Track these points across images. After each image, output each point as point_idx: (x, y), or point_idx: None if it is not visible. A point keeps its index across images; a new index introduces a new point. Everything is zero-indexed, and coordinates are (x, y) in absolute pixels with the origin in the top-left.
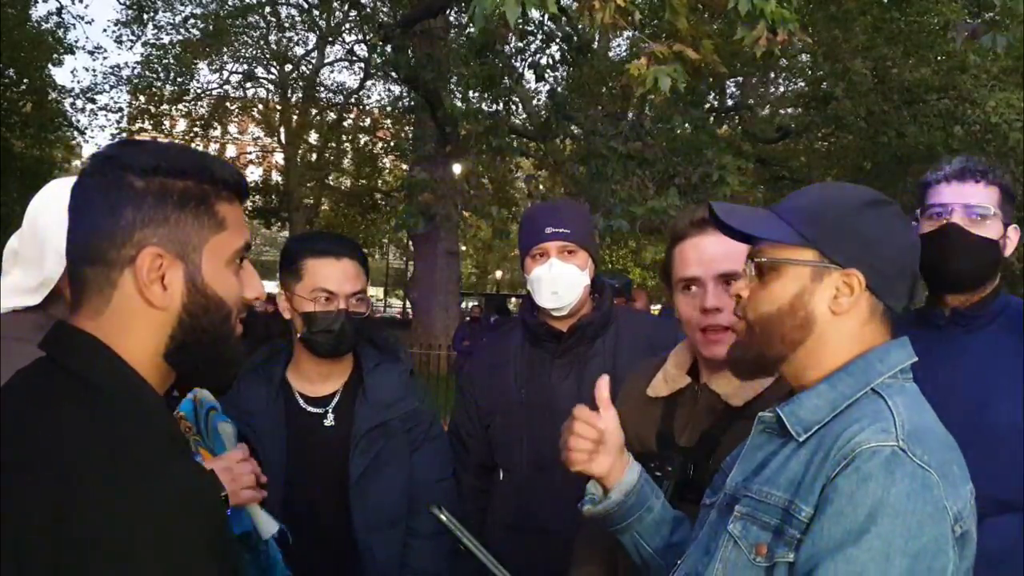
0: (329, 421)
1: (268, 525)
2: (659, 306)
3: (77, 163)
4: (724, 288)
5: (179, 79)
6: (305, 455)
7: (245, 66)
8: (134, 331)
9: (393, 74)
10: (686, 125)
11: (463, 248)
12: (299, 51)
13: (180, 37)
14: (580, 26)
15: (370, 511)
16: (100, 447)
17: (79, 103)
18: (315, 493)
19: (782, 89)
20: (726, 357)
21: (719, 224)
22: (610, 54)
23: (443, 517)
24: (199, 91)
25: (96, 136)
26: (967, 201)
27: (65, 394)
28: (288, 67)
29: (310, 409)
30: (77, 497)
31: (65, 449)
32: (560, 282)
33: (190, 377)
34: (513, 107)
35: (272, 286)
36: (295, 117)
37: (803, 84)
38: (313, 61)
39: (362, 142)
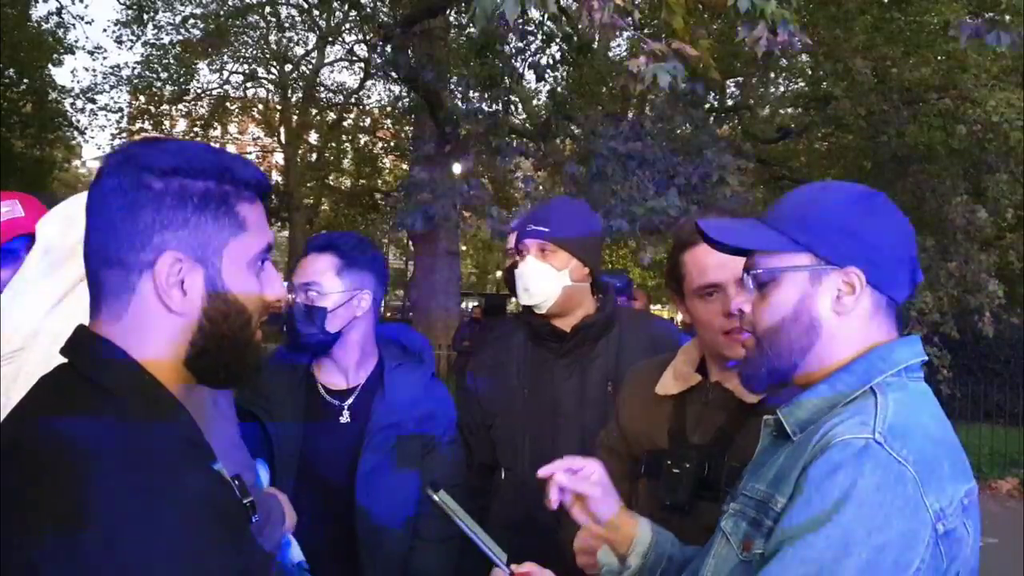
0: (345, 418)
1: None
2: (658, 306)
3: (77, 163)
4: None
5: (179, 79)
6: (319, 446)
7: (245, 66)
8: (153, 336)
9: (393, 74)
10: (686, 125)
11: (463, 248)
12: (299, 51)
13: (180, 37)
14: (580, 26)
15: (375, 510)
16: (117, 454)
17: (79, 103)
18: (325, 486)
19: (782, 89)
20: (739, 376)
21: (710, 242)
22: (610, 54)
23: (436, 498)
24: (199, 91)
25: (96, 136)
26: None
27: (83, 401)
28: (288, 67)
29: (331, 400)
30: (95, 504)
31: (82, 456)
32: (530, 280)
33: (210, 381)
34: (513, 107)
35: None
36: (295, 117)
37: (803, 84)
38: (313, 61)
39: (362, 142)
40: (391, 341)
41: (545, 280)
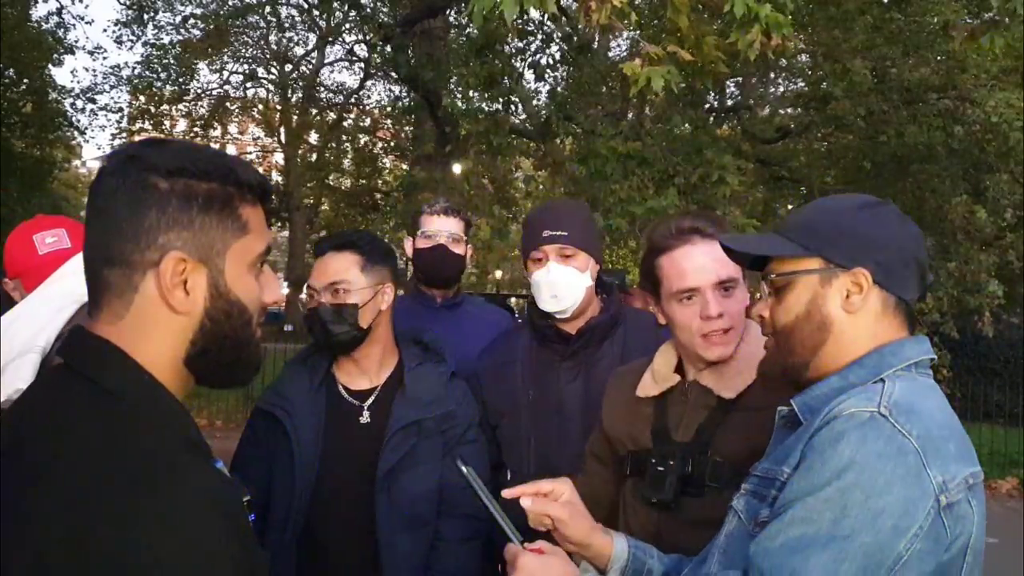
0: (365, 418)
1: None
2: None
3: (77, 163)
4: (721, 293)
5: (179, 79)
6: (340, 445)
7: (245, 66)
8: (155, 336)
9: (393, 74)
10: (686, 125)
11: None
12: (299, 51)
13: (180, 37)
14: (580, 26)
15: (396, 509)
16: (120, 456)
17: (79, 103)
18: (345, 485)
19: (782, 89)
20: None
21: (730, 253)
22: (610, 54)
23: (464, 470)
24: (199, 91)
25: (96, 136)
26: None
27: (83, 402)
28: (288, 67)
29: (352, 401)
30: (99, 507)
31: (84, 459)
32: (559, 285)
33: (208, 381)
34: (513, 107)
35: None
36: (295, 117)
37: (803, 84)
38: (313, 61)
39: (362, 142)
40: (411, 340)
41: (573, 284)
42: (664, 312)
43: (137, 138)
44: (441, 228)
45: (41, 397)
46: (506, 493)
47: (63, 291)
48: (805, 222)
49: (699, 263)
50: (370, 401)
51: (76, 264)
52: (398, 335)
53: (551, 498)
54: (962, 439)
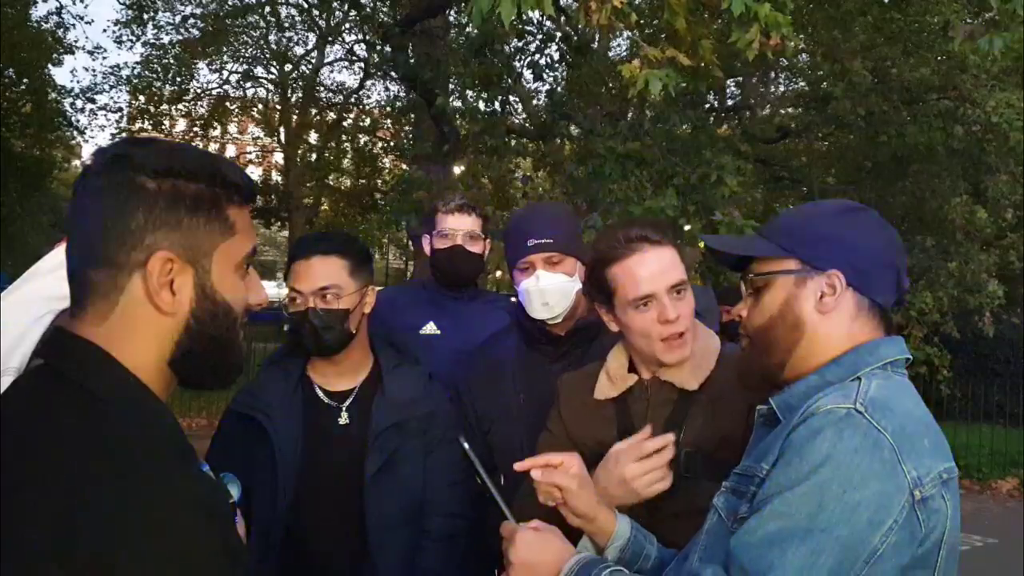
0: (344, 419)
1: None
2: None
3: (77, 163)
4: (674, 297)
5: (179, 79)
6: (320, 448)
7: (245, 66)
8: (139, 337)
9: (392, 73)
10: (685, 125)
11: None
12: (299, 51)
13: (180, 37)
14: (579, 26)
15: (383, 509)
16: (105, 460)
17: (79, 103)
18: (327, 487)
19: (782, 89)
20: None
21: (713, 253)
22: (609, 54)
23: (466, 446)
24: (199, 91)
25: (96, 136)
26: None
27: (67, 405)
28: (288, 67)
29: (329, 403)
30: (85, 512)
31: (69, 463)
32: (549, 294)
33: (192, 383)
34: (512, 107)
35: (271, 287)
36: (295, 117)
37: (803, 84)
38: (313, 61)
39: (362, 142)
40: (385, 343)
41: (564, 291)
42: (619, 320)
43: (121, 138)
44: (457, 227)
45: (24, 400)
46: (517, 466)
47: (40, 294)
48: (785, 225)
49: (652, 269)
50: (348, 403)
51: (51, 262)
52: (372, 337)
53: (561, 470)
54: (937, 435)
